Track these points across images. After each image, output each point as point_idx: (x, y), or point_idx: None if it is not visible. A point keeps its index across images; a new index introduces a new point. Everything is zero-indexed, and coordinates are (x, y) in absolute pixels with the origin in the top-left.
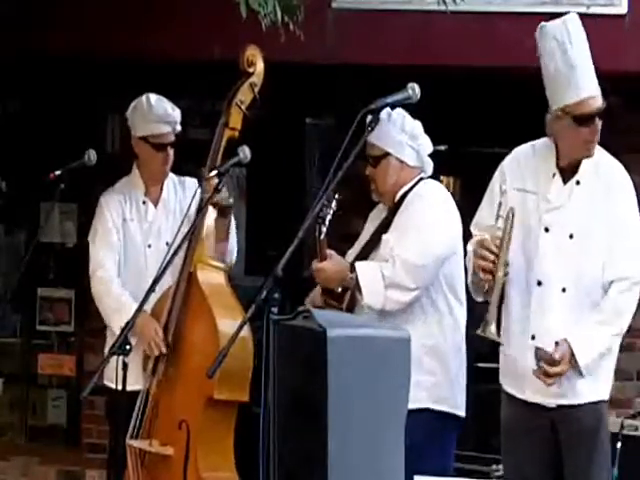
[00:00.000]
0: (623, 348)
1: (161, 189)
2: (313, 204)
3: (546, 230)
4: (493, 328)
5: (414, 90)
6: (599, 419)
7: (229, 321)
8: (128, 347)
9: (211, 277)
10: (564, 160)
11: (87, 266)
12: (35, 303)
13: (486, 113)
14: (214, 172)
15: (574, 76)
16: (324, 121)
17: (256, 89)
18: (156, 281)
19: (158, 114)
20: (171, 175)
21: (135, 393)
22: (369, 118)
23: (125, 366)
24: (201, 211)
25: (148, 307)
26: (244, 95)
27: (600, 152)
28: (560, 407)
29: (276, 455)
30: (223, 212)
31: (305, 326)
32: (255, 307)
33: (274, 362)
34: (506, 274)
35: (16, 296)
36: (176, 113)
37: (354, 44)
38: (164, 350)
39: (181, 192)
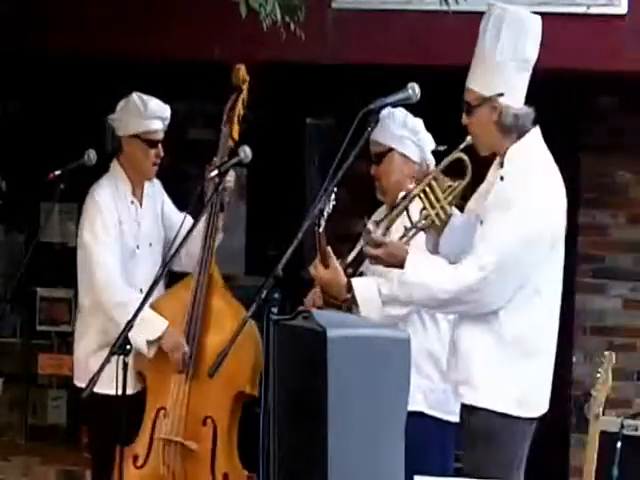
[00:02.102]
0: (623, 348)
1: (142, 188)
2: (312, 205)
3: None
4: (379, 230)
5: (414, 90)
6: (488, 428)
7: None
8: (128, 347)
9: None
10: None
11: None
12: (35, 303)
13: None
14: (215, 172)
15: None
16: (324, 121)
17: (244, 104)
18: (155, 283)
19: (154, 110)
20: None
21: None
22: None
23: (125, 366)
24: (212, 211)
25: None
26: (240, 109)
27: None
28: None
29: (276, 455)
30: (222, 207)
31: (305, 326)
32: (255, 307)
33: (274, 362)
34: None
35: (16, 296)
36: (167, 109)
37: (354, 44)
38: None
39: (151, 189)
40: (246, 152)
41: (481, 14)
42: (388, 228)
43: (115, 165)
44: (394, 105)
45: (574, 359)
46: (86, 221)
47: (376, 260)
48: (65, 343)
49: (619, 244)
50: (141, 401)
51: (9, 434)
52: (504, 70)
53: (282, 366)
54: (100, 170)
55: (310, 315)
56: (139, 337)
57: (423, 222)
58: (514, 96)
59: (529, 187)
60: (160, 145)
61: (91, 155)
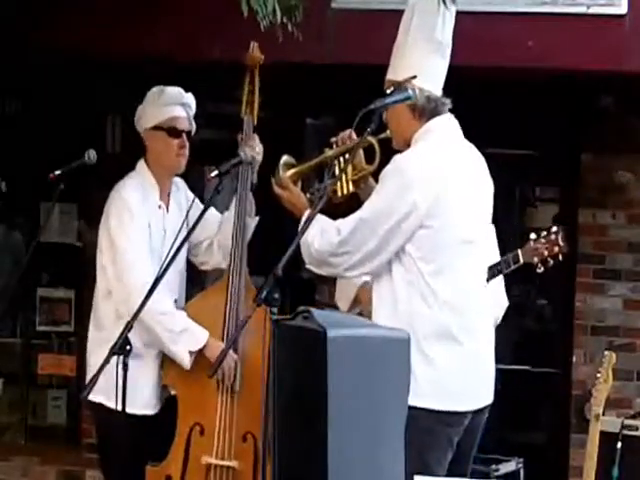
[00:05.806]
0: (623, 348)
1: (169, 192)
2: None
3: None
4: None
5: (414, 90)
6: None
7: None
8: (128, 347)
9: None
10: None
11: (87, 266)
12: (35, 303)
13: (485, 113)
14: (215, 172)
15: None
16: (324, 121)
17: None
18: (157, 281)
19: (171, 96)
20: None
21: (147, 418)
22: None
23: (125, 366)
24: (242, 215)
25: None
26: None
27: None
28: None
29: (276, 455)
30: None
31: (305, 326)
32: (255, 307)
33: (274, 362)
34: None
35: (16, 296)
36: (189, 96)
37: (354, 44)
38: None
39: (176, 192)
40: (246, 152)
41: (479, 14)
42: (297, 175)
43: (142, 165)
44: (394, 105)
45: (574, 359)
46: (112, 220)
47: (277, 198)
48: (65, 343)
49: (619, 244)
50: (163, 421)
51: (9, 434)
52: (415, 52)
53: (282, 366)
54: (100, 170)
55: (310, 315)
56: (180, 348)
57: (328, 188)
58: (427, 79)
59: (398, 166)
60: (186, 138)
61: (91, 155)
